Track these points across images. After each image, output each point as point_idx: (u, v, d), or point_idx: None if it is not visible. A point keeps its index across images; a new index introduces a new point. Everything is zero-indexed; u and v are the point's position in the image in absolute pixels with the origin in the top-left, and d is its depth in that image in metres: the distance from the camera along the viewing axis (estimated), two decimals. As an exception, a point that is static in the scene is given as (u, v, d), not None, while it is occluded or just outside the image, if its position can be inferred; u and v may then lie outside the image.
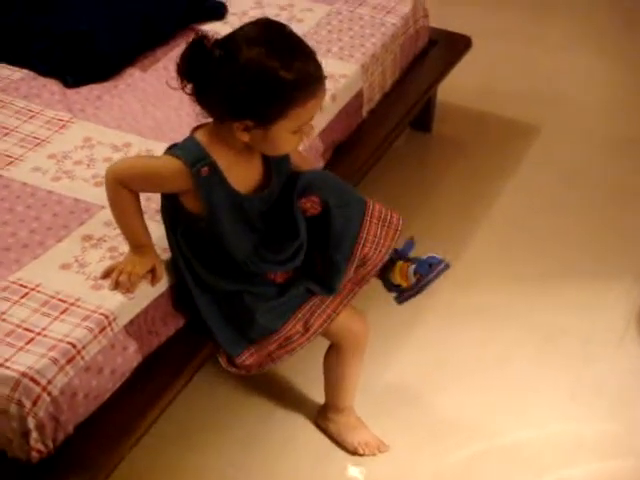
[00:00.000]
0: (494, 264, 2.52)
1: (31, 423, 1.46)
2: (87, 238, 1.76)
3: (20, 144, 2.01)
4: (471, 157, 2.94)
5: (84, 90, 2.21)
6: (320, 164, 2.19)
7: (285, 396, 2.12)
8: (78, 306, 1.61)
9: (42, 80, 2.24)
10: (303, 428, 2.05)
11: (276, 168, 1.72)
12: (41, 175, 1.92)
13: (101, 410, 1.61)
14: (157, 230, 1.75)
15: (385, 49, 2.48)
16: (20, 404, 1.46)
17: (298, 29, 2.42)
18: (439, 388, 2.14)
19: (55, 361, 1.50)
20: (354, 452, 1.98)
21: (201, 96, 1.60)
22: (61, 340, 1.54)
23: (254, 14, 2.53)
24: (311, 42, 2.42)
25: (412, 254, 1.90)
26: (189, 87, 1.60)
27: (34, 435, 1.47)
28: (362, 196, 1.82)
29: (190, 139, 1.66)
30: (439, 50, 2.77)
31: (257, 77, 1.53)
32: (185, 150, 1.63)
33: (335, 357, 1.92)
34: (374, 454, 1.98)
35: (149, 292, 1.68)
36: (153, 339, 1.72)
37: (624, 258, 2.55)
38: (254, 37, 1.56)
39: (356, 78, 2.34)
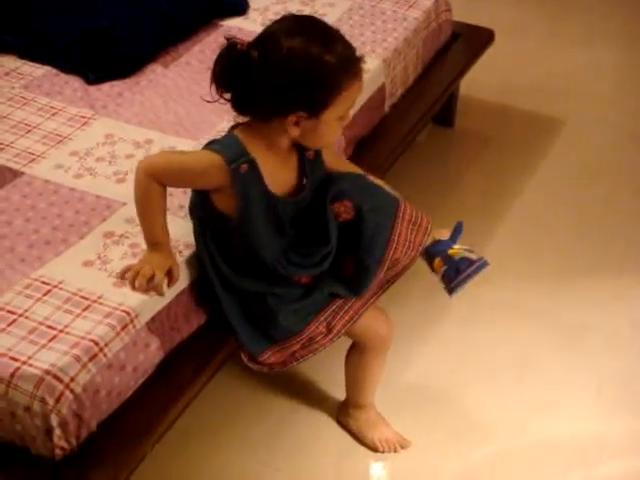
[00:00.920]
0: (517, 260, 2.50)
1: (54, 420, 1.46)
2: (109, 235, 1.76)
3: (42, 141, 2.02)
4: (494, 152, 2.92)
5: (106, 87, 2.21)
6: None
7: (307, 394, 2.11)
8: (100, 303, 1.61)
9: (64, 77, 2.24)
10: (326, 425, 2.04)
11: (311, 172, 1.72)
12: (63, 172, 1.93)
13: (123, 407, 1.60)
14: (179, 226, 1.75)
15: (407, 43, 2.47)
16: (43, 401, 1.46)
17: (320, 24, 2.45)
18: (462, 385, 2.13)
19: (78, 358, 1.50)
20: (374, 449, 1.98)
21: (242, 101, 1.61)
22: (83, 337, 1.54)
23: (276, 9, 2.53)
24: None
25: (459, 241, 1.87)
26: (227, 95, 1.61)
27: (57, 432, 1.48)
28: (395, 197, 1.80)
29: (230, 136, 1.66)
30: (462, 44, 2.75)
31: (304, 65, 1.54)
32: (225, 146, 1.63)
33: (358, 357, 1.91)
34: (395, 451, 1.98)
35: (171, 289, 1.68)
36: (175, 335, 1.72)
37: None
38: (290, 29, 1.58)
39: (378, 73, 2.33)
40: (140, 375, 1.63)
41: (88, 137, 2.03)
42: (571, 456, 1.98)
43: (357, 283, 1.77)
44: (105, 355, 1.55)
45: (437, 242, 1.84)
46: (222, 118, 2.09)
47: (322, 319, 1.77)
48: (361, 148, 2.29)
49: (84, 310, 1.59)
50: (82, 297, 1.62)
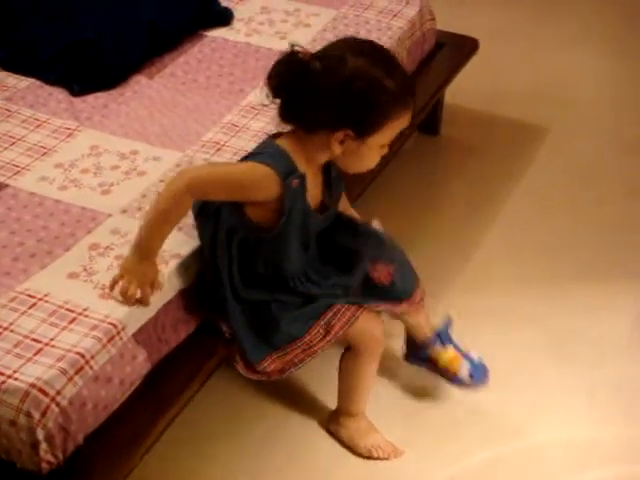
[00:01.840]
0: (504, 267, 2.50)
1: (40, 434, 1.45)
2: (94, 247, 1.75)
3: (27, 153, 2.01)
4: (480, 160, 2.93)
5: (90, 98, 2.20)
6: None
7: (298, 403, 2.10)
8: (86, 315, 1.60)
9: (48, 89, 2.23)
10: (316, 434, 2.03)
11: (334, 190, 1.76)
12: (48, 184, 1.92)
13: (111, 420, 1.59)
14: (170, 237, 1.73)
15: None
16: (29, 415, 1.44)
17: (305, 34, 2.47)
18: (452, 393, 2.12)
19: (64, 372, 1.49)
20: (368, 456, 1.97)
21: (293, 108, 1.63)
22: (69, 350, 1.53)
23: (260, 19, 2.53)
24: (318, 47, 2.43)
25: (451, 331, 2.07)
26: (277, 101, 1.64)
27: (43, 446, 1.46)
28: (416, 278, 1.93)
29: (274, 147, 1.66)
30: (446, 53, 2.76)
31: (364, 85, 1.58)
32: (275, 159, 1.63)
33: (352, 361, 1.91)
34: (388, 458, 1.97)
35: (158, 299, 1.67)
36: (163, 347, 1.71)
37: (636, 258, 2.53)
38: (355, 49, 1.62)
39: (363, 82, 2.33)
40: (127, 387, 1.62)
41: (73, 149, 2.03)
42: (563, 462, 1.97)
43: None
44: (91, 368, 1.53)
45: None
46: (208, 129, 2.09)
47: (322, 323, 1.78)
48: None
49: (70, 323, 1.58)
50: (68, 310, 1.61)
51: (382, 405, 2.06)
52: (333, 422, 2.03)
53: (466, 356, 2.07)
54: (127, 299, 1.62)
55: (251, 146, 2.01)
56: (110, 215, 1.82)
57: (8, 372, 1.48)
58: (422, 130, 2.93)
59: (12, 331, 1.56)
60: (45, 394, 1.46)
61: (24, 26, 2.36)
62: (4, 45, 2.33)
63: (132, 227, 1.77)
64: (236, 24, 2.52)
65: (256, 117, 2.13)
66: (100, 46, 2.26)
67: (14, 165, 1.97)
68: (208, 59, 2.36)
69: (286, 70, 1.61)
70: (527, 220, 2.68)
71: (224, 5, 2.56)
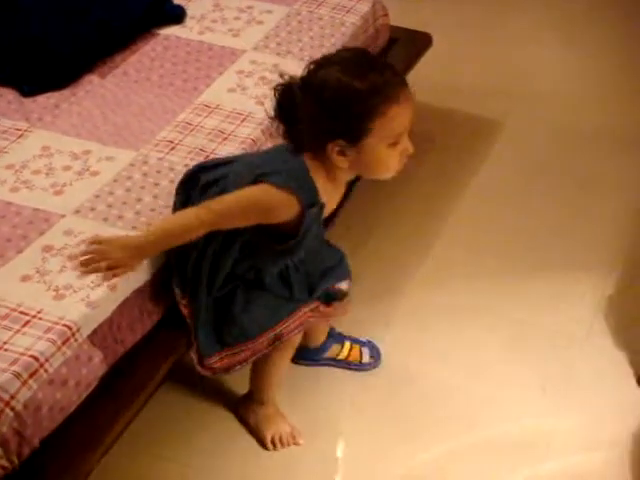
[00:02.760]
0: (462, 261, 2.52)
1: (-6, 439, 1.44)
2: (47, 248, 1.73)
3: (-23, 155, 1.98)
4: (437, 154, 2.94)
5: (41, 98, 2.17)
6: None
7: (218, 391, 2.10)
8: (40, 318, 1.58)
9: (-3, 89, 2.20)
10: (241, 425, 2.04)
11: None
12: (-1, 186, 1.89)
13: (67, 422, 1.58)
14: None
15: (346, 48, 2.47)
16: (-17, 420, 1.43)
17: (258, 31, 2.46)
18: (408, 387, 2.13)
19: (17, 375, 1.47)
20: (263, 446, 1.99)
21: (293, 135, 1.64)
22: (23, 353, 1.51)
23: (213, 17, 2.52)
24: (271, 44, 2.43)
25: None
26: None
27: (-2, 451, 1.45)
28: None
29: (299, 163, 1.64)
30: (400, 48, 2.76)
31: (332, 92, 1.57)
32: (299, 183, 1.62)
33: (271, 350, 1.89)
34: (289, 445, 1.98)
35: (111, 299, 1.65)
36: (119, 347, 1.69)
37: (592, 250, 2.56)
38: (328, 61, 1.62)
39: (317, 78, 2.33)
40: (83, 389, 1.61)
41: (24, 150, 2.00)
42: (518, 453, 1.99)
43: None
44: (46, 371, 1.52)
45: None
46: (162, 127, 2.08)
47: (279, 329, 1.80)
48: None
49: (24, 326, 1.56)
50: (21, 312, 1.59)
51: (340, 399, 2.07)
52: (243, 407, 2.04)
53: (359, 342, 2.16)
54: (87, 269, 1.64)
55: (206, 144, 2.01)
56: (63, 216, 1.80)
57: (-40, 377, 1.46)
58: (378, 126, 2.93)
59: (-36, 336, 1.54)
60: (-1, 398, 1.44)
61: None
62: (-49, 46, 2.29)
63: (85, 227, 1.76)
64: (189, 22, 2.50)
65: (210, 115, 2.12)
66: (47, 43, 2.23)
67: (-36, 167, 1.94)
68: (161, 57, 2.35)
69: (277, 98, 1.62)
70: (485, 213, 2.69)
71: (176, 3, 2.55)
